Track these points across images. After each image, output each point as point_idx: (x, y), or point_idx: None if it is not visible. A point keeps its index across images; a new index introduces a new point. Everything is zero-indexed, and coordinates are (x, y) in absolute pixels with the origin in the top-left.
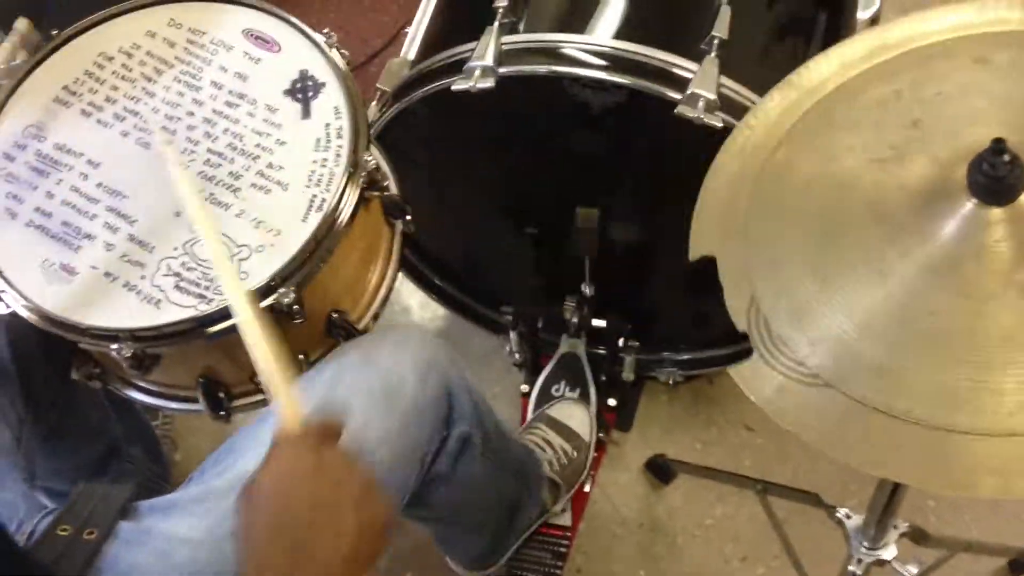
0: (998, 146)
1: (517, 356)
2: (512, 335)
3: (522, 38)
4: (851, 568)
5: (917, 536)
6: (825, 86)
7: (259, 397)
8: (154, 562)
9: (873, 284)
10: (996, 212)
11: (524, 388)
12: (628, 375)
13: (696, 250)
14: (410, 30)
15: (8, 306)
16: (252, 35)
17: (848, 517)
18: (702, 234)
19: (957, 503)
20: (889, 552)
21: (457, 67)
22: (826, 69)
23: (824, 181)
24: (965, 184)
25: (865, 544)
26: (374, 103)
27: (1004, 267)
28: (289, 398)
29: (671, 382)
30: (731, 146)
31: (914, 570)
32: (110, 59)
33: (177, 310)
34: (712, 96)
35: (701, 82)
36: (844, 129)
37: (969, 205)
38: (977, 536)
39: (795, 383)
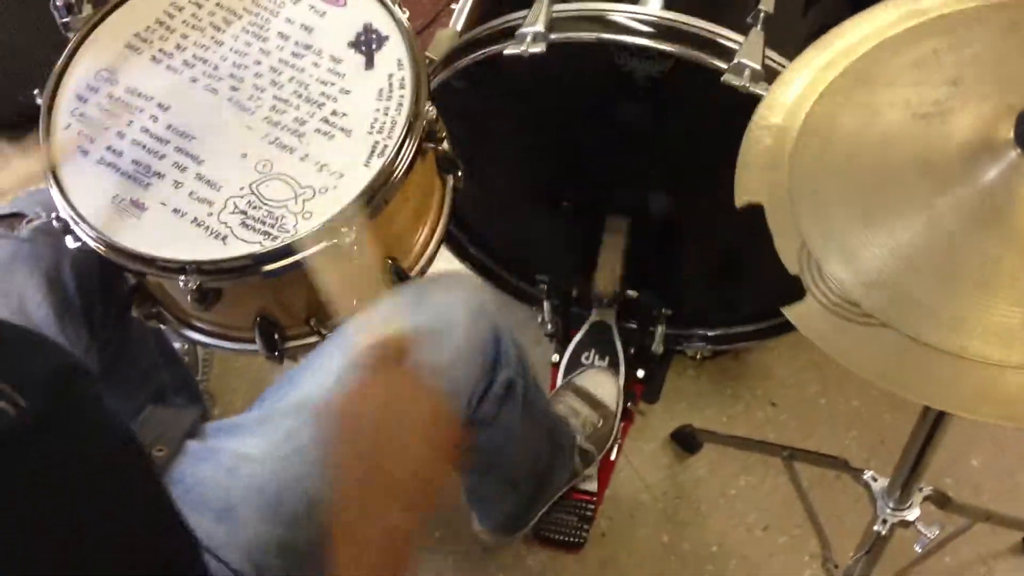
0: None
1: (549, 327)
2: (545, 305)
3: (572, 6)
4: (876, 528)
5: (940, 500)
6: (858, 48)
7: (312, 339)
8: (221, 477)
9: (921, 230)
10: None
11: (554, 359)
12: (657, 347)
13: (741, 198)
14: (458, 4)
15: (78, 239)
16: None
17: (875, 480)
18: (746, 183)
19: (976, 481)
20: (913, 513)
21: (508, 34)
22: (859, 32)
23: (867, 135)
24: (1011, 137)
25: (891, 505)
26: None
27: None
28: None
29: (699, 357)
30: (771, 101)
31: (936, 531)
32: (180, 8)
33: (243, 245)
34: (758, 66)
35: (747, 52)
36: (884, 86)
37: (1014, 155)
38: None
39: (849, 323)
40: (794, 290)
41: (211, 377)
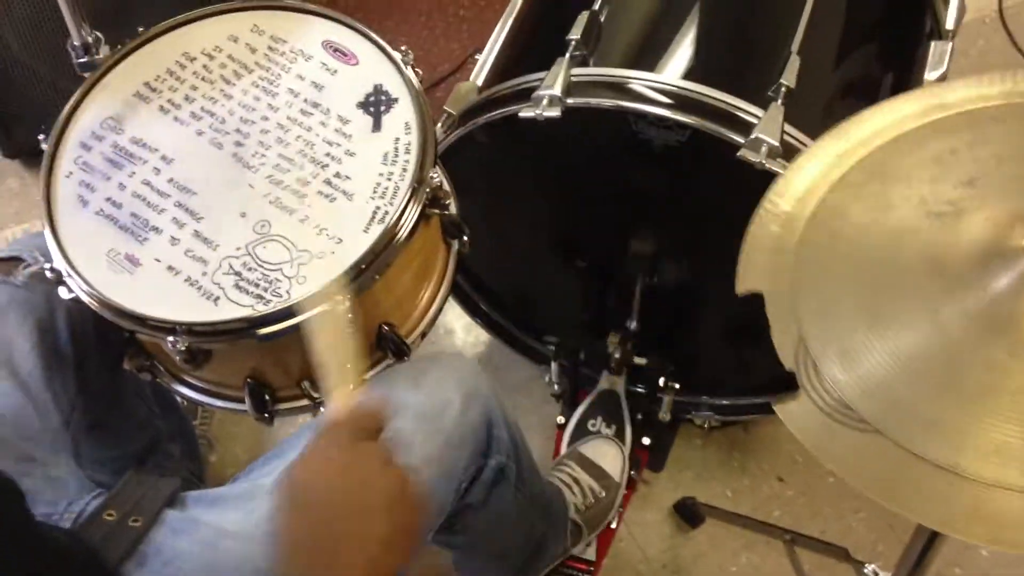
0: None
1: (556, 387)
2: (553, 366)
3: (591, 71)
4: None
5: None
6: (876, 139)
7: (303, 403)
8: (199, 551)
9: (926, 335)
10: None
11: (560, 420)
12: (665, 415)
13: (743, 285)
14: (481, 56)
15: (71, 291)
16: (331, 47)
17: (876, 574)
18: (750, 269)
19: (986, 571)
20: None
21: (525, 95)
22: (879, 122)
23: (877, 229)
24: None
25: None
26: (439, 124)
27: None
28: (344, 383)
29: (707, 426)
30: (782, 187)
31: None
32: (192, 59)
33: (235, 308)
34: (775, 142)
35: (765, 127)
36: (899, 181)
37: None
38: None
39: (840, 425)
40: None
41: (212, 423)
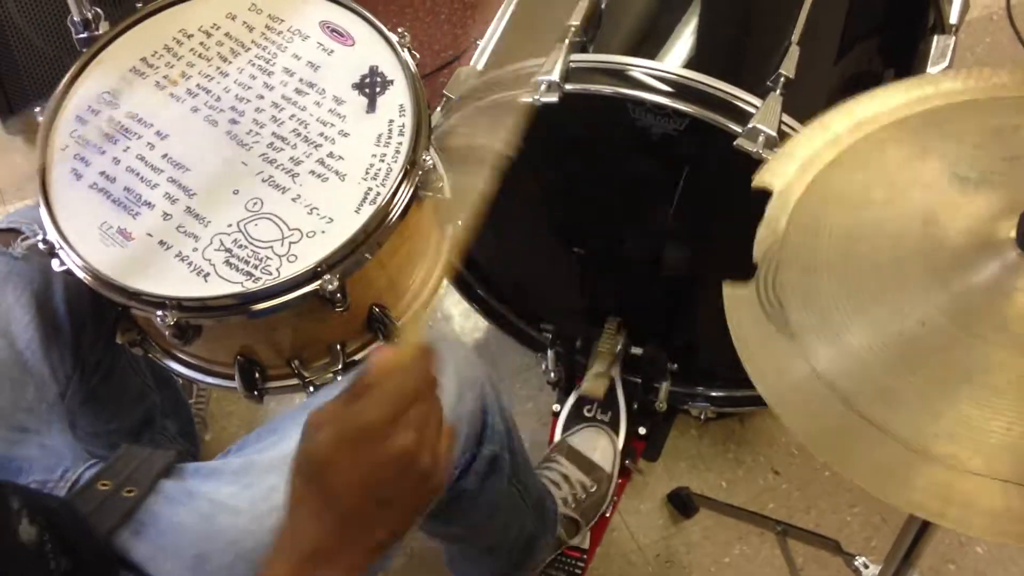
0: None
1: (552, 375)
2: (549, 353)
3: (591, 57)
4: None
5: None
6: (866, 126)
7: (292, 381)
8: (196, 522)
9: (906, 316)
10: None
11: (556, 408)
12: (661, 405)
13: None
14: (482, 42)
15: (63, 263)
16: (328, 27)
17: (866, 567)
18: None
19: (980, 568)
20: None
21: (524, 80)
22: (869, 109)
23: (865, 217)
24: (1012, 236)
25: None
26: (439, 109)
27: None
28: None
29: (703, 417)
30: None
31: None
32: (189, 36)
33: (224, 284)
34: (772, 132)
35: (763, 117)
36: (887, 170)
37: (1014, 255)
38: None
39: (807, 387)
40: None
41: (208, 401)
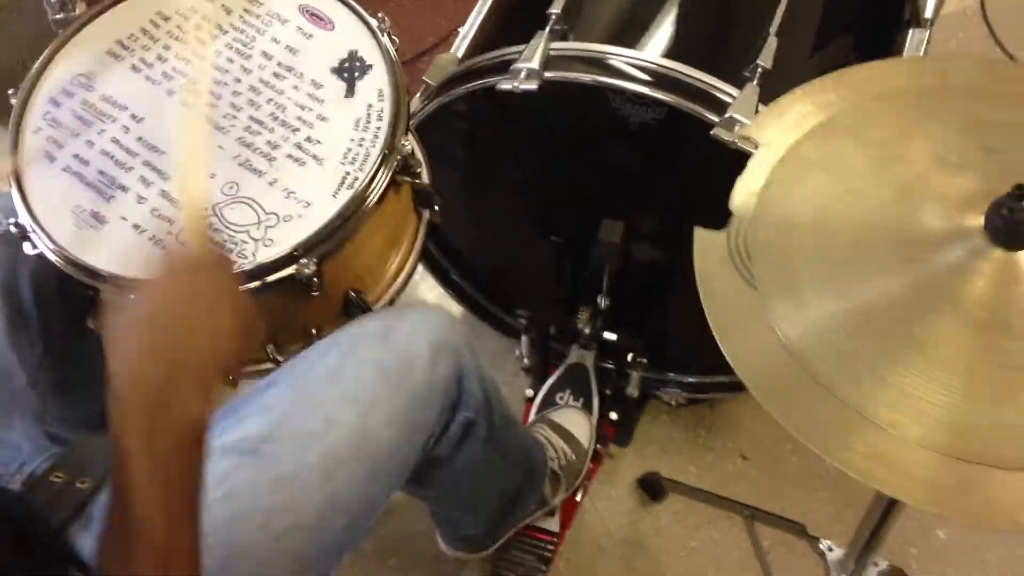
0: (1019, 191)
1: (526, 361)
2: (523, 339)
3: (570, 45)
4: None
5: None
6: (848, 101)
7: (267, 365)
8: None
9: (866, 281)
10: (1008, 255)
11: (529, 393)
12: (632, 391)
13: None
14: (462, 29)
15: (35, 247)
16: (308, 11)
17: (830, 550)
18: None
19: (942, 554)
20: None
21: (504, 67)
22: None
23: (840, 200)
24: (981, 223)
25: None
26: (418, 95)
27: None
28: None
29: (674, 403)
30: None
31: None
32: (166, 19)
33: None
34: (749, 122)
35: (740, 107)
36: (860, 153)
37: (979, 241)
38: None
39: (762, 339)
40: None
41: None
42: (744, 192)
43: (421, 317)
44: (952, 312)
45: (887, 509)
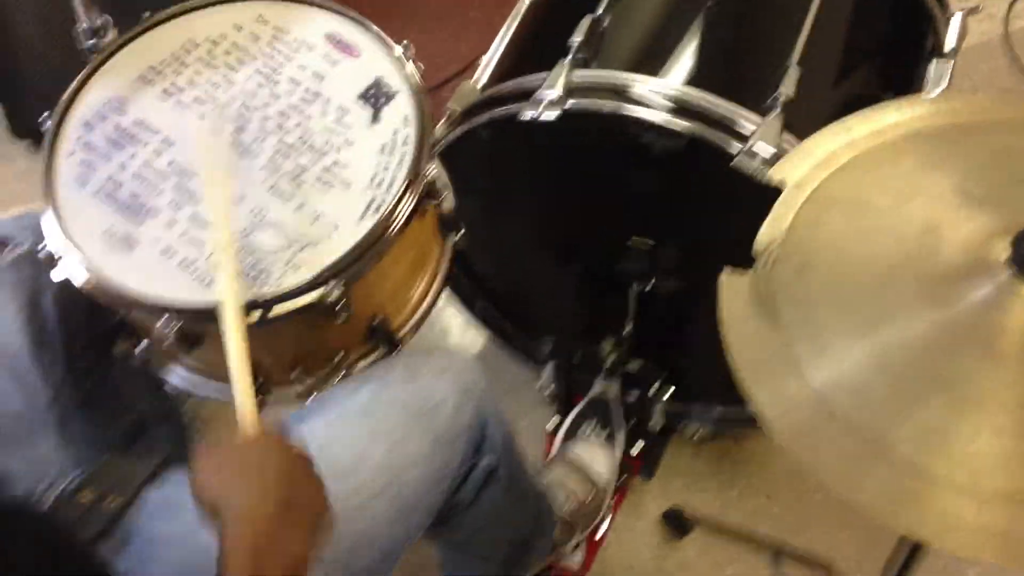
0: None
1: (550, 390)
2: (547, 367)
3: (593, 74)
4: None
5: None
6: (869, 142)
7: (296, 388)
8: (181, 536)
9: (890, 318)
10: None
11: (551, 425)
12: (657, 423)
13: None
14: (485, 57)
15: (63, 272)
16: (334, 39)
17: None
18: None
19: None
20: None
21: (526, 95)
22: (865, 129)
23: (862, 238)
24: (1007, 257)
25: None
26: (442, 122)
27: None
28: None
29: (696, 439)
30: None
31: None
32: (196, 46)
33: None
34: (771, 152)
35: (763, 136)
36: (882, 191)
37: (1005, 277)
38: None
39: (784, 377)
40: None
41: (207, 403)
42: (769, 234)
43: (446, 362)
44: (981, 348)
45: (914, 548)
